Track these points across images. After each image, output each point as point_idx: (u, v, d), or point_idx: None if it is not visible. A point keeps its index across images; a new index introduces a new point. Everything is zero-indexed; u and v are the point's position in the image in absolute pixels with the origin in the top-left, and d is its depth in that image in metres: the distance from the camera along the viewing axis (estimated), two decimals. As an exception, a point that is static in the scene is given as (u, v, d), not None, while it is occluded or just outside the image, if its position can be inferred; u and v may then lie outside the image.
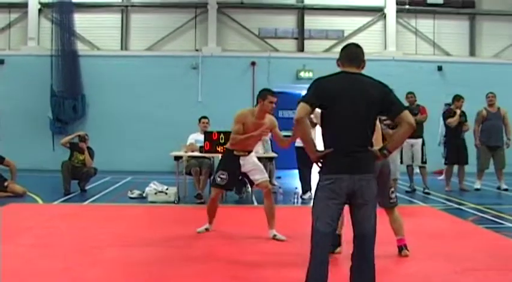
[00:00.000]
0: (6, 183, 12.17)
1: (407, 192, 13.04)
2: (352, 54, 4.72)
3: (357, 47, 4.78)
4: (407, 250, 6.84)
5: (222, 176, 7.99)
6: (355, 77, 4.60)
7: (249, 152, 8.16)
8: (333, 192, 4.40)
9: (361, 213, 4.48)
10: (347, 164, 4.40)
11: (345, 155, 4.41)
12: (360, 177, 4.42)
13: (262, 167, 8.31)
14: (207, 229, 8.25)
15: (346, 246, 6.57)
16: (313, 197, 4.65)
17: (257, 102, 7.95)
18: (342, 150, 4.42)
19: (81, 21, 19.15)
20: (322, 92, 4.49)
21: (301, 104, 4.43)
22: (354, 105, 4.43)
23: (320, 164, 4.53)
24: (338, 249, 6.94)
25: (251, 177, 8.14)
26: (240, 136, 7.83)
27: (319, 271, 4.44)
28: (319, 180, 4.54)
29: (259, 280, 5.93)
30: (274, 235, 7.84)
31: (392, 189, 7.07)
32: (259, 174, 8.07)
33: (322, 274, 4.44)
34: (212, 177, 8.40)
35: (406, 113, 4.52)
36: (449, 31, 19.80)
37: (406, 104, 12.58)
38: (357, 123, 4.45)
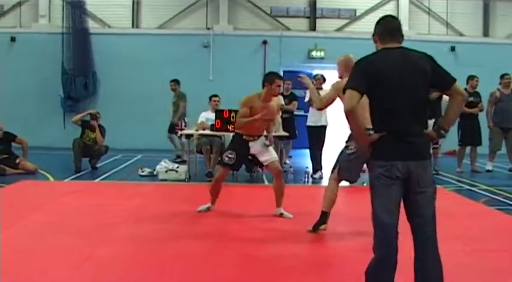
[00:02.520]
0: (17, 161, 12.23)
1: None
2: (393, 27, 4.27)
3: (395, 19, 4.37)
4: None
5: (230, 155, 7.98)
6: (400, 52, 4.17)
7: (258, 136, 8.15)
8: (389, 178, 4.01)
9: (419, 202, 4.08)
10: (401, 149, 4.03)
11: (398, 139, 4.04)
12: (416, 163, 4.03)
13: (271, 148, 8.26)
14: (208, 208, 8.22)
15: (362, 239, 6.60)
16: (370, 186, 4.20)
17: (263, 86, 7.93)
18: (396, 134, 4.04)
19: (92, -1, 19.12)
20: (368, 74, 4.05)
21: (349, 92, 4.01)
22: (405, 83, 4.04)
23: (372, 150, 4.16)
24: (323, 226, 6.99)
25: (260, 159, 8.14)
26: (244, 119, 7.84)
27: (385, 266, 4.08)
28: (373, 167, 4.17)
29: (268, 257, 5.93)
30: (281, 213, 7.88)
31: None
32: (267, 155, 8.06)
33: (389, 270, 4.08)
34: (220, 157, 8.36)
35: (458, 84, 4.15)
36: (463, 11, 19.58)
37: None
38: (410, 102, 4.06)
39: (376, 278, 4.11)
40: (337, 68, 7.18)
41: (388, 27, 4.27)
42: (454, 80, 4.15)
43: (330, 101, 6.83)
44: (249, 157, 11.88)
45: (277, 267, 5.62)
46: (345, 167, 6.88)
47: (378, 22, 4.35)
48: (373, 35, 4.35)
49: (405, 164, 4.00)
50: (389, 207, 4.05)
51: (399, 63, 4.08)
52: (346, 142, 6.95)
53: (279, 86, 7.79)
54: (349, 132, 6.75)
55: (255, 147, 8.09)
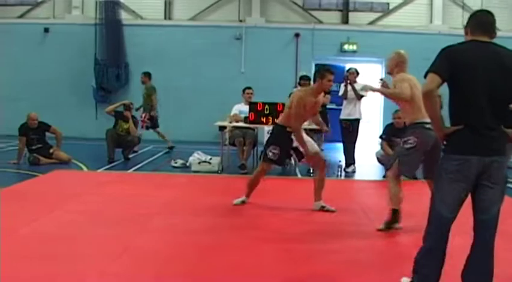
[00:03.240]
0: (51, 150, 12.31)
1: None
2: (486, 22, 4.24)
3: (489, 14, 4.33)
4: None
5: (274, 151, 7.86)
6: (489, 46, 4.13)
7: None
8: (460, 174, 3.99)
9: (487, 197, 4.03)
10: (478, 144, 3.98)
11: (476, 133, 3.99)
12: (491, 159, 3.97)
13: (312, 141, 8.18)
14: (243, 202, 8.12)
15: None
16: (436, 177, 4.22)
17: (314, 81, 7.88)
18: (473, 127, 3.99)
19: (125, -9, 19.18)
20: (453, 61, 4.01)
21: (430, 75, 4.00)
22: (488, 78, 3.98)
23: (446, 142, 4.15)
24: (397, 225, 6.84)
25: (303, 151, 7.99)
26: (298, 125, 7.77)
27: (434, 257, 4.13)
28: (444, 160, 4.15)
29: (309, 252, 5.87)
30: (323, 206, 7.78)
31: None
32: (311, 148, 7.94)
33: (438, 260, 4.12)
34: (263, 152, 8.20)
35: None
36: (498, 4, 19.29)
37: None
38: (491, 97, 3.98)
39: (424, 266, 4.16)
40: (388, 63, 7.09)
41: (481, 21, 4.26)
42: None
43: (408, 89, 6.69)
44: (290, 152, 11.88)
45: (319, 262, 5.57)
46: (404, 162, 6.75)
47: (472, 15, 4.34)
48: (466, 27, 4.31)
49: (480, 160, 3.97)
50: (450, 202, 4.04)
51: (485, 57, 4.05)
52: (405, 137, 6.84)
53: (331, 81, 7.64)
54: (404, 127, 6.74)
55: None
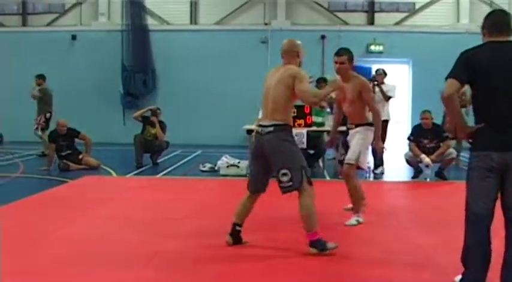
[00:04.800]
0: (81, 156, 12.41)
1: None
2: (502, 22, 4.30)
3: (505, 13, 4.40)
4: None
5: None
6: (506, 46, 4.24)
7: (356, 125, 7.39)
8: (485, 170, 4.11)
9: None
10: (499, 140, 4.10)
11: (497, 130, 4.13)
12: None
13: (354, 145, 7.20)
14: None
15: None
16: (466, 177, 4.31)
17: None
18: (494, 126, 4.14)
19: (151, -4, 19.29)
20: (471, 65, 4.16)
21: (450, 80, 4.15)
22: (508, 78, 4.11)
23: (470, 141, 4.30)
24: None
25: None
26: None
27: (476, 258, 4.18)
28: (470, 159, 4.30)
29: (347, 253, 5.84)
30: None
31: None
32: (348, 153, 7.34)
33: (480, 261, 4.17)
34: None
35: None
36: (526, 1, 19.10)
37: None
38: (510, 96, 4.13)
39: (470, 266, 4.22)
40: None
41: (497, 21, 4.31)
42: None
43: None
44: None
45: (358, 263, 5.54)
46: None
47: (487, 16, 4.38)
48: (482, 28, 4.36)
49: (501, 155, 4.06)
50: (483, 198, 4.11)
51: (503, 58, 4.14)
52: None
53: (335, 62, 7.25)
54: None
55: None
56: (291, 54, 6.21)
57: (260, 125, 5.96)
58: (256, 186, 6.14)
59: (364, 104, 7.15)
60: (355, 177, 7.19)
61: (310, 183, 5.87)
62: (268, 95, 5.99)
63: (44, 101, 14.83)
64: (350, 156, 7.09)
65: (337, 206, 7.86)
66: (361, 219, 7.12)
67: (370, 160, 12.16)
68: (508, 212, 4.14)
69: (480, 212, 4.13)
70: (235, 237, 6.09)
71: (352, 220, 7.11)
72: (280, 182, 5.81)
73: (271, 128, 5.80)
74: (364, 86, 7.13)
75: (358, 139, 7.12)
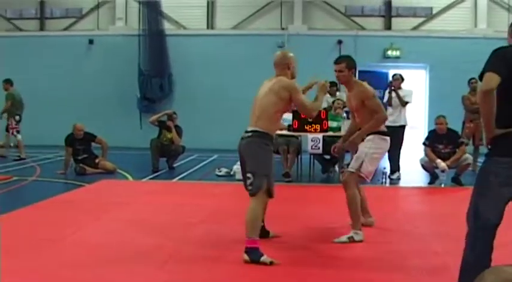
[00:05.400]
0: (97, 160, 12.46)
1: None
2: None
3: None
4: None
5: None
6: None
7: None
8: (508, 177, 3.88)
9: None
10: None
11: None
12: None
13: (359, 153, 6.86)
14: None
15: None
16: (482, 182, 4.09)
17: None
18: None
19: (168, 1, 19.33)
20: (508, 61, 3.91)
21: (489, 74, 3.86)
22: None
23: (492, 145, 4.07)
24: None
25: None
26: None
27: (482, 264, 3.85)
28: (492, 163, 4.02)
29: (359, 259, 5.81)
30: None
31: None
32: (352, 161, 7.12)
33: (484, 268, 3.74)
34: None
35: None
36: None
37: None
38: None
39: (470, 276, 3.82)
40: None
41: None
42: None
43: None
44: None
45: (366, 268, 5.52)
46: None
47: None
48: (510, 27, 4.25)
49: None
50: (499, 207, 3.94)
51: None
52: None
53: (335, 70, 6.95)
54: None
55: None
56: (282, 66, 6.28)
57: (245, 131, 6.06)
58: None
59: (371, 111, 6.77)
60: (354, 187, 6.71)
61: (270, 195, 6.03)
62: (256, 103, 6.17)
63: (14, 105, 14.91)
64: (352, 164, 6.82)
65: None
66: (357, 237, 6.51)
67: (386, 166, 12.16)
68: None
69: (494, 222, 3.95)
70: (261, 233, 6.14)
71: (343, 237, 6.53)
72: (245, 184, 5.99)
73: (251, 134, 5.96)
74: (364, 94, 6.78)
75: (365, 148, 6.77)
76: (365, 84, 6.93)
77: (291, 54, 6.38)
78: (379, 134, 6.83)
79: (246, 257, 5.62)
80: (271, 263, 5.54)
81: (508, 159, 3.91)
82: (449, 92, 15.25)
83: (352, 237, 6.50)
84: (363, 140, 6.82)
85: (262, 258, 5.58)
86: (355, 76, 6.96)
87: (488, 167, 4.04)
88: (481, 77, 3.94)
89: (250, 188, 5.89)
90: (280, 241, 6.53)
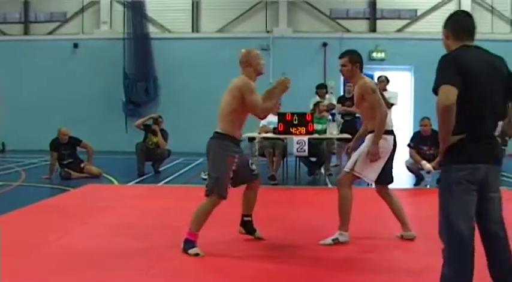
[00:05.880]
0: (82, 165, 12.42)
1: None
2: (470, 25, 4.05)
3: (469, 15, 4.15)
4: None
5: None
6: (479, 52, 3.95)
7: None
8: (470, 183, 3.79)
9: (490, 207, 3.90)
10: (484, 152, 3.84)
11: (481, 142, 3.84)
12: (492, 167, 3.88)
13: (356, 152, 6.77)
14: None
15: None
16: (445, 193, 3.95)
17: None
18: (478, 136, 3.84)
19: (153, 4, 19.33)
20: (462, 69, 3.74)
21: (447, 87, 3.68)
22: (488, 84, 3.82)
23: (448, 154, 3.90)
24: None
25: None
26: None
27: (464, 279, 3.82)
28: (451, 172, 3.88)
29: (347, 260, 5.82)
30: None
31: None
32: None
33: None
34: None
35: None
36: (529, 8, 19.10)
37: None
38: (491, 104, 3.85)
39: None
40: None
41: (466, 25, 4.09)
42: None
43: None
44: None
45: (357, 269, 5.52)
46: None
47: (451, 17, 4.14)
48: (446, 30, 4.12)
49: (485, 168, 3.84)
50: (470, 215, 3.84)
51: (482, 63, 3.87)
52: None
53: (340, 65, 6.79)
54: None
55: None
56: (244, 64, 6.40)
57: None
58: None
59: (371, 107, 6.52)
60: (347, 187, 6.59)
61: (221, 197, 6.20)
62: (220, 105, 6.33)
63: None
64: (347, 164, 6.75)
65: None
66: (342, 238, 6.49)
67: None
68: (484, 225, 3.93)
69: (469, 232, 3.81)
70: (247, 228, 6.53)
71: (328, 239, 6.47)
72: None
73: (213, 135, 6.26)
74: (363, 88, 6.52)
75: (364, 146, 6.60)
76: (367, 79, 6.69)
77: (256, 52, 6.40)
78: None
79: (182, 246, 6.02)
80: (196, 255, 5.87)
81: (467, 165, 3.82)
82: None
83: (337, 238, 6.48)
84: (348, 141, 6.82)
85: (191, 250, 5.93)
86: (361, 71, 6.68)
87: (449, 177, 3.91)
88: (436, 89, 3.78)
89: (206, 188, 6.20)
90: (266, 243, 6.53)
